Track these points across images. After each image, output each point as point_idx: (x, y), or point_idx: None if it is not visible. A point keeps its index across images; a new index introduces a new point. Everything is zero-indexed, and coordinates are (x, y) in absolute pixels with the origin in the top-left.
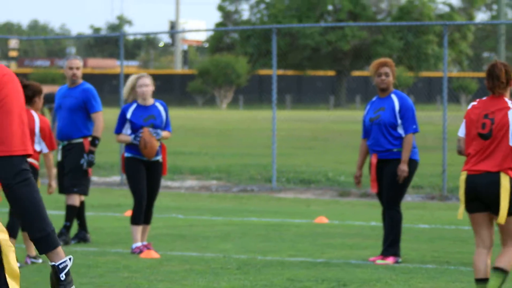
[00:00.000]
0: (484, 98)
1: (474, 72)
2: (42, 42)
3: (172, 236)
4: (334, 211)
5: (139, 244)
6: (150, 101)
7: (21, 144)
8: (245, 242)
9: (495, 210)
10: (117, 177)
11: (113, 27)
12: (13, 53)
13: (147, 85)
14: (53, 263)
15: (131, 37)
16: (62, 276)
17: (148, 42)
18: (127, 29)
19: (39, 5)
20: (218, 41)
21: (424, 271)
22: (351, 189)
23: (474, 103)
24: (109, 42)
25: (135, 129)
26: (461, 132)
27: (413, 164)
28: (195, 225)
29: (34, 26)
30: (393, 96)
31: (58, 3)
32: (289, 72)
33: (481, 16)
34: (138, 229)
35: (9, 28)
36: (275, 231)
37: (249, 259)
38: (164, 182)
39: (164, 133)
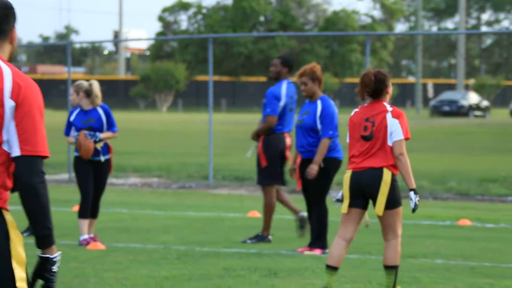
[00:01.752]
0: (365, 104)
1: (394, 79)
2: None
3: (117, 229)
4: None
5: (86, 236)
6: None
7: (43, 146)
8: (184, 234)
9: (374, 203)
10: (65, 175)
11: (61, 36)
12: None
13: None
14: (47, 255)
15: (77, 45)
16: (54, 268)
17: (93, 50)
18: (74, 38)
19: None
20: (159, 49)
21: (348, 260)
22: (280, 186)
23: (356, 109)
24: (57, 50)
25: (77, 131)
26: (348, 138)
27: (335, 162)
28: (138, 219)
29: None
30: (318, 102)
31: None
32: (225, 78)
33: (400, 27)
34: (85, 222)
35: None
36: (212, 224)
37: (187, 250)
38: (109, 179)
39: (106, 134)
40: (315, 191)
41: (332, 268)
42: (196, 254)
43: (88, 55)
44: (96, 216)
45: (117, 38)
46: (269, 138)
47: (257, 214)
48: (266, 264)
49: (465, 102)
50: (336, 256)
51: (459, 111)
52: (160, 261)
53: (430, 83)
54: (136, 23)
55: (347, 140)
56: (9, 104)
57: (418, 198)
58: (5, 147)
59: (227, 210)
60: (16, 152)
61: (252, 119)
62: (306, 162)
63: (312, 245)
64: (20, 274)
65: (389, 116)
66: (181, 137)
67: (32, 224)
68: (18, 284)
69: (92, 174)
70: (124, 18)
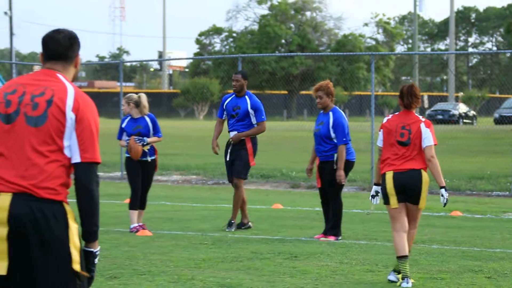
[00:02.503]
0: (397, 113)
1: (395, 92)
2: None
3: (161, 218)
4: (287, 199)
5: (135, 224)
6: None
7: (98, 154)
8: (218, 223)
9: (415, 200)
10: (118, 173)
11: (114, 56)
12: None
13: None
14: (91, 249)
15: (128, 64)
16: (96, 260)
17: (141, 67)
18: (125, 57)
19: None
20: (196, 67)
21: (358, 246)
22: (300, 182)
23: (389, 117)
24: (111, 67)
25: (128, 136)
26: (380, 142)
27: (348, 163)
28: (179, 210)
29: None
30: (331, 114)
31: None
32: (251, 91)
33: (400, 48)
34: (135, 213)
35: (33, 57)
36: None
37: (221, 236)
38: (155, 176)
39: (152, 139)
40: (332, 188)
41: (403, 257)
42: (228, 240)
43: (137, 72)
44: (144, 207)
45: (161, 58)
46: (255, 141)
47: (280, 206)
48: (288, 249)
49: (455, 112)
50: (403, 247)
51: (451, 119)
52: (198, 245)
53: (425, 95)
54: (177, 45)
55: (380, 144)
56: (70, 115)
57: (448, 194)
58: (66, 152)
59: (254, 203)
60: (76, 159)
61: (275, 126)
62: (323, 164)
63: (327, 233)
64: (76, 257)
65: (423, 125)
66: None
67: (82, 220)
68: (74, 265)
69: (140, 172)
70: (167, 41)
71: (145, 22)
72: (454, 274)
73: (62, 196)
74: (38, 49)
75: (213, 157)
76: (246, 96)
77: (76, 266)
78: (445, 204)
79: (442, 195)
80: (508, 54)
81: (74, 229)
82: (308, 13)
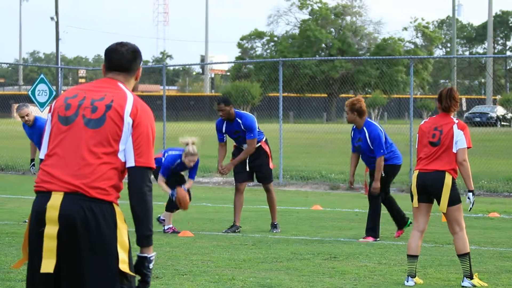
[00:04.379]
0: (434, 116)
1: (433, 95)
2: None
3: (203, 219)
4: (327, 200)
5: (170, 225)
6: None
7: (153, 160)
8: (258, 224)
9: (438, 201)
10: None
11: (157, 60)
12: (82, 80)
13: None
14: (145, 254)
15: (171, 68)
16: (151, 266)
17: (184, 71)
18: (168, 61)
19: (102, 43)
20: (238, 71)
21: (396, 246)
22: (339, 184)
23: (426, 119)
24: (154, 71)
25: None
26: (418, 147)
27: (394, 167)
28: (220, 211)
29: (98, 59)
30: (365, 129)
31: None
32: (292, 95)
33: (438, 52)
34: (170, 215)
35: (79, 61)
36: (282, 216)
37: (261, 237)
38: (196, 178)
39: (189, 183)
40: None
41: (412, 257)
42: (268, 241)
43: (179, 75)
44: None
45: (203, 62)
46: (268, 143)
47: (319, 207)
48: (327, 249)
49: (493, 114)
50: (414, 246)
51: (489, 122)
52: (238, 246)
53: (463, 98)
54: (219, 49)
55: (416, 146)
56: (127, 120)
57: (474, 198)
58: (120, 156)
59: (295, 204)
60: (131, 163)
61: (315, 128)
62: (372, 172)
63: (366, 234)
64: (123, 257)
65: (455, 127)
66: None
67: (136, 224)
68: (120, 265)
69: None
70: (209, 45)
71: (188, 26)
72: (492, 275)
73: (112, 197)
74: (83, 53)
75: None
76: (237, 119)
77: (123, 266)
78: (470, 209)
79: (469, 198)
80: None
81: (123, 229)
82: (348, 18)
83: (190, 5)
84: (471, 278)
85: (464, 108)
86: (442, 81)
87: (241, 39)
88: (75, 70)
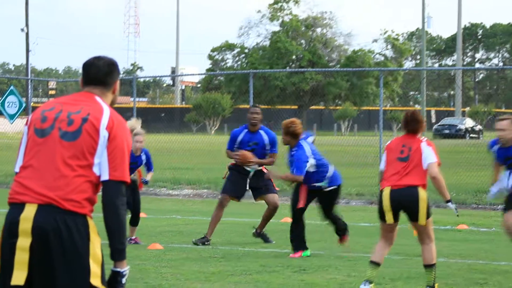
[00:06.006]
0: (400, 136)
1: (403, 107)
2: (74, 83)
3: (172, 232)
4: None
5: (133, 237)
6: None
7: (127, 174)
8: (228, 237)
9: (413, 217)
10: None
11: (128, 72)
12: (52, 92)
13: (141, 142)
14: (118, 269)
15: (142, 79)
16: (123, 280)
17: (154, 83)
18: (139, 73)
19: (72, 55)
20: (208, 83)
21: (365, 259)
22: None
23: (392, 139)
24: (125, 83)
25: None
26: (381, 165)
27: (337, 189)
28: (190, 223)
29: (68, 71)
30: (295, 149)
31: (86, 54)
32: (262, 106)
33: (408, 64)
34: (130, 228)
35: (49, 73)
36: (251, 228)
37: (231, 249)
38: (166, 191)
39: (149, 176)
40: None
41: (375, 264)
42: (238, 253)
43: (150, 87)
44: (136, 224)
45: (174, 73)
46: None
47: (289, 219)
48: (296, 262)
49: (462, 126)
50: (380, 255)
51: (457, 134)
52: (208, 259)
53: (433, 110)
54: (190, 60)
55: (381, 167)
56: (103, 134)
57: (454, 205)
58: (95, 169)
59: None
60: (105, 176)
61: None
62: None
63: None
64: (95, 271)
65: (424, 144)
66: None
67: (109, 238)
68: (92, 279)
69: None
70: (180, 57)
71: (158, 38)
72: (460, 287)
73: (86, 210)
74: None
75: (224, 171)
76: (262, 131)
77: (94, 280)
78: (457, 215)
79: (450, 207)
80: None
81: (96, 242)
82: (318, 30)
83: (161, 17)
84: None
85: (434, 120)
86: (411, 93)
87: (212, 51)
88: (45, 82)
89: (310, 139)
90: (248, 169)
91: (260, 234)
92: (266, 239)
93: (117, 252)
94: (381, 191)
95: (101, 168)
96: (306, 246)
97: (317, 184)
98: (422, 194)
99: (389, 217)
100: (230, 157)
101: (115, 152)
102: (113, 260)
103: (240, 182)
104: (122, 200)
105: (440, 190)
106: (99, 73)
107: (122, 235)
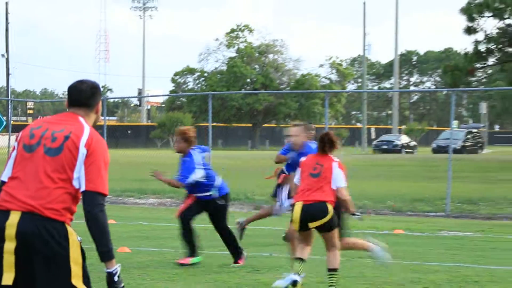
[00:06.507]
0: (315, 154)
1: (346, 125)
2: (50, 104)
3: (139, 237)
4: None
5: None
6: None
7: (103, 186)
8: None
9: (321, 228)
10: None
11: None
12: (30, 111)
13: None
14: (108, 270)
15: (111, 100)
16: (115, 278)
17: (123, 103)
18: (109, 94)
19: (48, 78)
20: (172, 103)
21: (315, 260)
22: (262, 204)
23: (307, 156)
24: None
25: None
26: (297, 180)
27: (225, 197)
28: (155, 229)
29: (45, 92)
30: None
31: (61, 77)
32: (220, 124)
33: (351, 86)
34: None
35: (27, 94)
36: (211, 233)
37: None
38: (134, 200)
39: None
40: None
41: (301, 260)
42: (199, 256)
43: (119, 107)
44: None
45: (140, 95)
46: None
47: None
48: (251, 263)
49: (398, 142)
50: (304, 252)
51: (394, 149)
52: (171, 261)
53: (372, 128)
54: (155, 83)
55: (296, 179)
56: (82, 150)
57: (359, 215)
58: (75, 183)
59: None
60: (83, 187)
61: (241, 154)
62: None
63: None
64: (76, 272)
65: (335, 165)
66: None
67: (94, 242)
68: (73, 279)
69: None
70: (146, 80)
71: (126, 63)
72: (396, 285)
73: (65, 218)
74: (31, 87)
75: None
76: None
77: (75, 280)
78: (362, 220)
79: (356, 218)
80: (445, 92)
81: (75, 246)
82: (270, 56)
83: (129, 44)
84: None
85: (373, 137)
86: (353, 112)
87: (175, 74)
88: (24, 102)
89: (206, 154)
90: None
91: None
92: (242, 235)
93: (103, 254)
94: (294, 204)
95: (80, 181)
96: (196, 253)
97: (205, 194)
98: (330, 208)
99: (296, 227)
100: (285, 160)
101: (92, 167)
102: (101, 261)
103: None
104: (99, 208)
105: (347, 207)
106: (82, 95)
107: (104, 239)
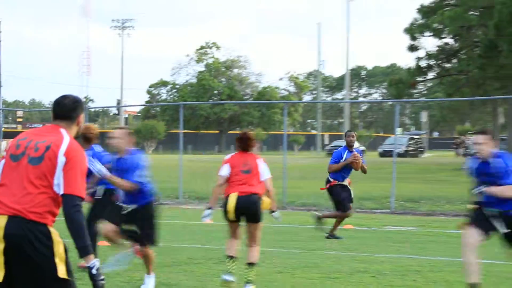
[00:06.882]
0: (238, 153)
1: (302, 132)
2: (38, 113)
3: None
4: (217, 216)
5: None
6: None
7: (79, 190)
8: (162, 235)
9: (253, 219)
10: None
11: None
12: (19, 119)
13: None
14: (86, 264)
15: (93, 110)
16: (94, 271)
17: (103, 112)
18: (90, 104)
19: (36, 89)
20: (147, 112)
21: (270, 252)
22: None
23: (232, 155)
24: None
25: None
26: (223, 172)
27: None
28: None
29: (33, 102)
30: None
31: (48, 88)
32: (190, 131)
33: (307, 97)
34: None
35: (17, 104)
36: (182, 228)
37: (164, 245)
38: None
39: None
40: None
41: (232, 258)
42: (168, 248)
43: (99, 116)
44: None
45: (119, 105)
46: None
47: (210, 221)
48: (217, 255)
49: None
50: (234, 250)
51: None
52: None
53: (326, 134)
54: (132, 94)
55: (222, 174)
56: (61, 159)
57: (278, 214)
58: (55, 188)
59: (191, 219)
60: (61, 191)
61: (209, 158)
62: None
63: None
64: (61, 267)
65: (259, 161)
66: (160, 170)
67: (72, 239)
68: (59, 273)
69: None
70: (124, 91)
71: (106, 76)
72: (346, 274)
73: (47, 220)
74: (21, 97)
75: (159, 182)
76: (355, 149)
77: (61, 273)
78: (279, 219)
79: (275, 216)
80: (390, 103)
81: (59, 244)
82: (235, 70)
83: (109, 59)
84: (226, 274)
85: (326, 142)
86: (309, 120)
87: (150, 86)
88: (14, 112)
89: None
90: (344, 183)
91: (331, 234)
92: (336, 238)
93: (80, 250)
94: (228, 195)
95: (60, 186)
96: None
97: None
98: (260, 200)
99: (232, 216)
100: (339, 168)
101: (70, 173)
102: (80, 257)
103: (348, 197)
104: (76, 208)
105: (272, 200)
106: (64, 109)
107: (81, 236)
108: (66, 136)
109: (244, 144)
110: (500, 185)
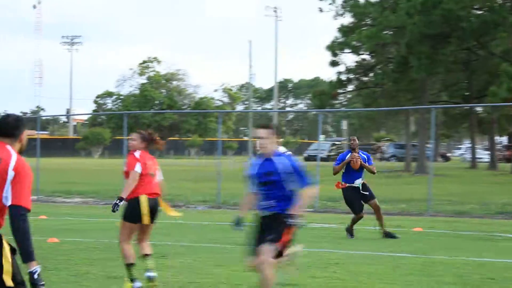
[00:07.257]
0: (142, 151)
1: (236, 138)
2: None
3: (66, 229)
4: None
5: None
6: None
7: (25, 201)
8: (108, 233)
9: (154, 219)
10: (34, 197)
11: (33, 112)
12: None
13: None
14: (29, 270)
15: (44, 118)
16: (35, 276)
17: (53, 120)
18: (42, 113)
19: None
20: (94, 120)
21: (208, 248)
22: (178, 203)
23: (139, 153)
24: (31, 120)
25: None
26: (138, 169)
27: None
28: (79, 223)
29: None
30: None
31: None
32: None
33: (239, 107)
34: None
35: None
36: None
37: (110, 242)
38: (62, 199)
39: None
40: None
41: (132, 265)
42: (114, 245)
43: (50, 123)
44: None
45: (68, 113)
46: None
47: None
48: (159, 250)
49: None
50: (132, 255)
51: None
52: (92, 249)
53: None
54: (80, 104)
55: (138, 170)
56: (10, 173)
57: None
58: (4, 201)
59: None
60: (9, 202)
61: None
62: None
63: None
64: (7, 268)
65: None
66: (106, 173)
67: (17, 246)
68: (4, 275)
69: None
70: (73, 101)
71: (56, 87)
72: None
73: None
74: None
75: (105, 184)
76: (360, 152)
77: (5, 276)
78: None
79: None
80: (314, 112)
81: (6, 248)
82: (175, 82)
83: (59, 71)
84: (132, 281)
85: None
86: (241, 128)
87: (97, 97)
88: None
89: None
90: (355, 185)
91: (386, 233)
92: (392, 236)
93: (24, 256)
94: (139, 197)
95: (8, 198)
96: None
97: None
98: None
99: (148, 219)
100: (340, 168)
101: (17, 186)
102: (23, 262)
103: (358, 198)
104: (22, 217)
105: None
106: (7, 127)
107: (25, 244)
108: (13, 153)
109: (153, 144)
110: (284, 186)
